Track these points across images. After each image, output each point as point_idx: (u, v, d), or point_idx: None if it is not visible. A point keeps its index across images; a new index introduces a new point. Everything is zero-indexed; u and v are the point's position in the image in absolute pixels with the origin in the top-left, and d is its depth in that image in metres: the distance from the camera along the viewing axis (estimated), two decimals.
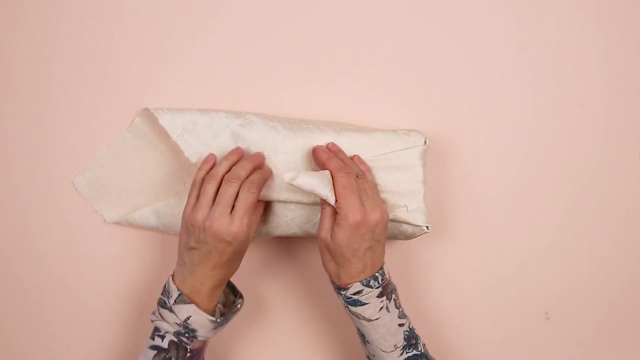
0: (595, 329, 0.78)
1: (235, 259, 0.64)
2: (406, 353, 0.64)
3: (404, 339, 0.64)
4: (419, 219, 0.69)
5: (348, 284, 0.63)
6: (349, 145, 0.69)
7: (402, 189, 0.69)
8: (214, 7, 0.75)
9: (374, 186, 0.67)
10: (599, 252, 0.78)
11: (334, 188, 0.62)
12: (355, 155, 0.69)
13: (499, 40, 0.76)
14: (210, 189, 0.63)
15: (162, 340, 0.63)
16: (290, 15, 0.75)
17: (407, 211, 0.69)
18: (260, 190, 0.64)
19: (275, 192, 0.67)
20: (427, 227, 0.69)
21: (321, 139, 0.69)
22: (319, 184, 0.62)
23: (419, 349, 0.65)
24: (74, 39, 0.74)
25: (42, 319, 0.75)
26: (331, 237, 0.62)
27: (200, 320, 0.62)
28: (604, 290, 0.78)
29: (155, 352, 0.63)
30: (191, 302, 0.62)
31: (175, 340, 0.63)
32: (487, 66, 0.76)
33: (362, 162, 0.69)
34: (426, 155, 0.71)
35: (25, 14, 0.74)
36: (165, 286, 0.64)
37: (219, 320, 0.63)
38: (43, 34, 0.74)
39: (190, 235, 0.63)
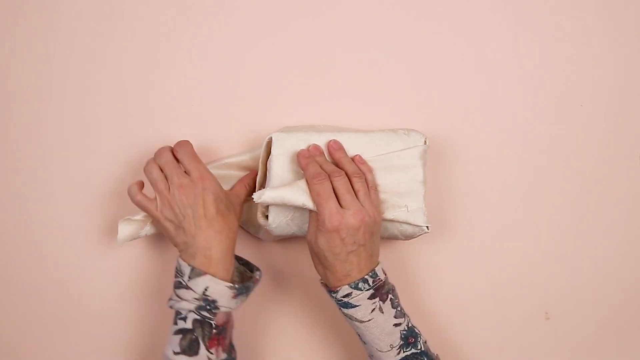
0: (595, 329, 0.78)
1: (223, 208, 0.65)
2: (403, 352, 0.64)
3: (401, 338, 0.64)
4: (419, 219, 0.69)
5: (337, 287, 0.63)
6: (349, 145, 0.69)
7: (403, 189, 0.69)
8: (213, 9, 0.75)
9: (374, 187, 0.67)
10: (599, 252, 0.78)
11: (311, 195, 0.63)
12: (357, 155, 0.69)
13: (499, 41, 0.76)
14: (158, 177, 0.66)
15: (185, 321, 0.62)
16: (289, 16, 0.75)
17: (408, 211, 0.69)
18: (189, 147, 0.67)
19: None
20: (427, 227, 0.69)
21: (319, 140, 0.69)
22: (291, 195, 0.63)
23: (419, 347, 0.65)
24: (73, 39, 0.74)
25: (42, 319, 0.75)
26: (314, 241, 0.63)
27: (219, 288, 0.62)
28: (604, 291, 0.78)
29: (181, 335, 0.62)
30: (204, 272, 0.62)
31: (198, 317, 0.62)
32: (487, 66, 0.76)
33: (364, 162, 0.68)
34: (426, 155, 0.71)
35: (28, 16, 0.74)
36: (176, 267, 0.64)
37: (237, 286, 0.63)
38: (42, 35, 0.74)
39: (167, 210, 0.64)
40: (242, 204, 0.70)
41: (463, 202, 0.76)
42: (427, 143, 0.71)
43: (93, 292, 0.75)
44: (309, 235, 0.64)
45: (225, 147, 0.75)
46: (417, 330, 0.66)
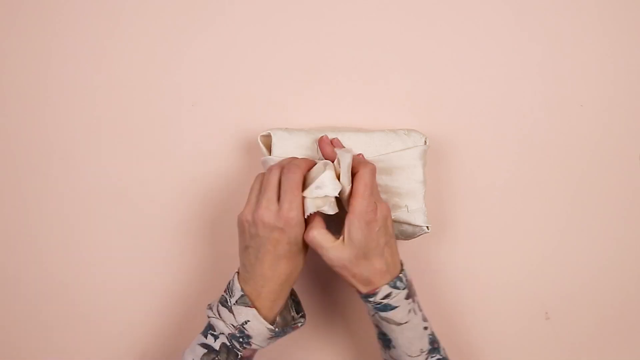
0: (595, 329, 0.78)
1: (294, 252, 0.60)
2: (431, 357, 0.63)
3: (429, 342, 0.63)
4: (419, 219, 0.69)
5: (376, 289, 0.61)
6: (349, 145, 0.69)
7: (403, 189, 0.69)
8: (213, 9, 0.75)
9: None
10: (599, 252, 0.78)
11: (355, 183, 0.60)
12: (360, 153, 0.68)
13: (499, 41, 0.76)
14: (256, 186, 0.62)
15: (215, 340, 0.61)
16: (289, 17, 0.75)
17: (408, 212, 0.69)
18: (302, 171, 0.60)
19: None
20: (427, 227, 0.69)
21: None
22: (330, 186, 0.60)
23: (441, 354, 0.65)
24: (73, 39, 0.74)
25: (42, 320, 0.75)
26: (346, 241, 0.59)
27: (259, 327, 0.60)
28: (604, 291, 0.78)
29: (206, 351, 0.61)
30: (252, 305, 0.60)
31: (228, 343, 0.60)
32: (487, 66, 0.76)
33: (366, 161, 0.68)
34: (426, 156, 0.71)
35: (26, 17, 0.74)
36: (229, 283, 0.62)
37: (277, 330, 0.61)
38: (42, 34, 0.74)
39: (244, 234, 0.61)
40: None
41: (463, 202, 0.76)
42: (427, 143, 0.71)
43: (93, 292, 0.75)
44: (329, 250, 0.60)
45: (225, 147, 0.75)
46: (437, 337, 0.66)
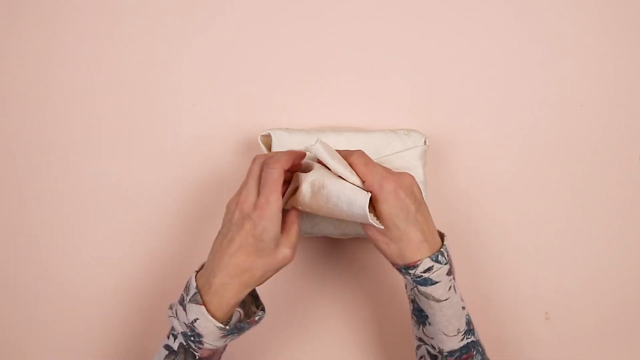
0: (595, 329, 0.78)
1: (257, 248, 0.58)
2: (467, 339, 0.61)
3: (466, 323, 0.61)
4: None
5: (416, 261, 0.59)
6: (349, 145, 0.69)
7: None
8: (213, 9, 0.75)
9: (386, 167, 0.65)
10: (599, 252, 0.78)
11: (356, 168, 0.60)
12: (360, 150, 0.67)
13: (499, 40, 0.76)
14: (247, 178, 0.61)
15: (174, 340, 0.59)
16: (289, 17, 0.75)
17: None
18: (283, 167, 0.59)
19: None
20: None
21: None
22: (337, 163, 0.60)
23: (475, 336, 0.63)
24: (73, 39, 0.74)
25: (42, 320, 0.75)
26: (377, 217, 0.58)
27: (207, 325, 0.57)
28: (604, 291, 0.78)
29: (167, 352, 0.60)
30: (202, 302, 0.58)
31: (185, 344, 0.59)
32: (487, 66, 0.76)
33: (352, 150, 0.66)
34: (426, 156, 0.71)
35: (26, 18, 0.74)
36: (188, 281, 0.60)
37: (227, 327, 0.58)
38: (41, 35, 0.74)
39: (224, 219, 0.61)
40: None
41: (463, 202, 0.76)
42: (427, 143, 0.71)
43: (93, 292, 0.75)
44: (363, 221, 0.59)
45: (225, 147, 0.75)
46: (471, 318, 0.64)
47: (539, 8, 0.76)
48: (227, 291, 0.58)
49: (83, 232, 0.75)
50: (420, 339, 0.64)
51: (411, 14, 0.76)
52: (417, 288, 0.60)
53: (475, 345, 0.62)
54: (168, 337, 0.60)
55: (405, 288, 0.65)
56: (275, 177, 0.58)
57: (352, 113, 0.75)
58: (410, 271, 0.59)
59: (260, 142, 0.69)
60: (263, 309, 0.63)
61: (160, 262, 0.75)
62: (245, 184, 0.60)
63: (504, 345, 0.77)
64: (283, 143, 0.68)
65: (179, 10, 0.75)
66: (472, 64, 0.76)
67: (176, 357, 0.59)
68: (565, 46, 0.77)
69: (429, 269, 0.59)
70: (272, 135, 0.69)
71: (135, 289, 0.75)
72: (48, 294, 0.75)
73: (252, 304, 0.64)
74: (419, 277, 0.59)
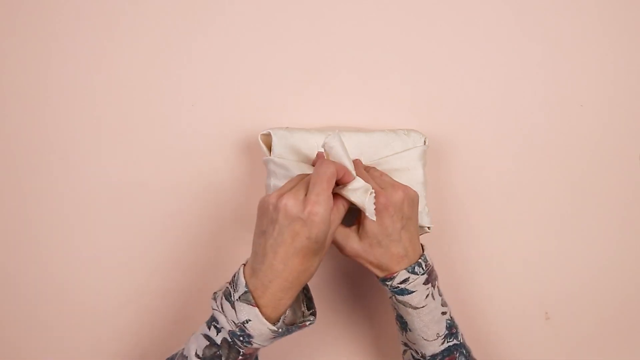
0: (595, 329, 0.78)
1: (311, 250, 0.55)
2: (447, 342, 0.63)
3: (446, 327, 0.63)
4: (422, 219, 0.69)
5: (393, 274, 0.61)
6: (349, 145, 0.69)
7: None
8: (213, 9, 0.75)
9: (386, 174, 0.66)
10: (599, 252, 0.78)
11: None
12: (357, 159, 0.68)
13: (499, 41, 0.76)
14: (295, 179, 0.60)
15: (217, 334, 0.58)
16: (290, 17, 0.75)
17: None
18: (337, 168, 0.57)
19: None
20: (428, 227, 0.69)
21: (321, 139, 0.69)
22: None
23: (459, 339, 0.64)
24: (72, 39, 0.74)
25: (42, 320, 0.75)
26: (360, 231, 0.60)
27: (260, 327, 0.56)
28: (604, 291, 0.78)
29: (208, 343, 0.58)
30: (255, 304, 0.56)
31: (230, 340, 0.57)
32: (487, 66, 0.76)
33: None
34: (426, 156, 0.71)
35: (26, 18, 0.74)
36: (234, 276, 0.58)
37: (280, 331, 0.57)
38: (41, 35, 0.74)
39: (263, 217, 0.57)
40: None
41: (463, 202, 0.76)
42: (427, 143, 0.71)
43: (93, 292, 0.75)
44: (344, 238, 0.61)
45: (225, 147, 0.75)
46: (456, 322, 0.65)
47: (539, 8, 0.76)
48: (286, 297, 0.57)
49: (83, 232, 0.75)
50: (405, 344, 0.66)
51: (411, 14, 0.76)
52: (395, 297, 0.62)
53: (458, 348, 0.63)
54: (209, 328, 0.58)
55: (387, 295, 0.66)
56: (329, 174, 0.56)
57: (352, 113, 0.75)
58: (387, 282, 0.62)
59: (260, 142, 0.69)
60: (314, 313, 0.61)
61: (160, 262, 0.75)
62: (296, 182, 0.58)
63: (504, 345, 0.77)
64: (283, 142, 0.68)
65: (179, 10, 0.75)
66: (472, 64, 0.76)
67: (219, 351, 0.57)
68: (565, 46, 0.77)
69: (405, 280, 0.61)
70: (272, 134, 0.69)
71: (135, 289, 0.75)
72: (48, 294, 0.75)
73: (302, 302, 0.63)
74: (396, 287, 0.61)
